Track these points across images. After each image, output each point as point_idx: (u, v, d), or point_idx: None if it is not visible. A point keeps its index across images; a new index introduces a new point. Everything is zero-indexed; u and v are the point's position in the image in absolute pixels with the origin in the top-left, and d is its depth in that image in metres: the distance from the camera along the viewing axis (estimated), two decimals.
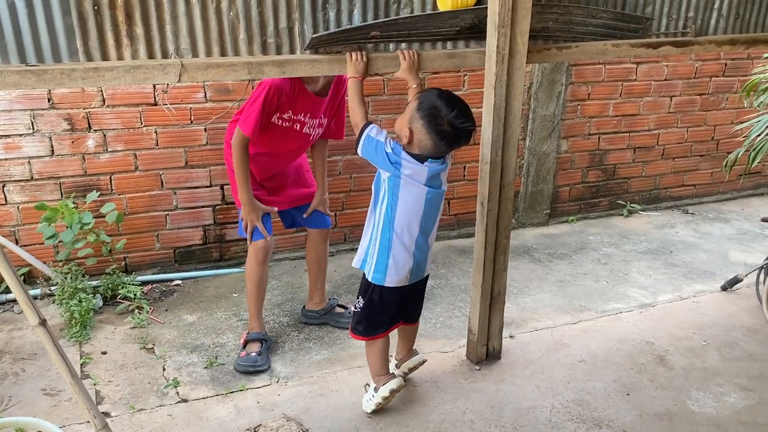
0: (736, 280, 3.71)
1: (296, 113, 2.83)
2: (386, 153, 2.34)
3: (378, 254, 2.46)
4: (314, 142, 3.05)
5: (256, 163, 2.92)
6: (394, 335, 2.72)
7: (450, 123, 2.28)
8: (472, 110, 4.27)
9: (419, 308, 2.73)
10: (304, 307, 3.38)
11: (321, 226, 3.23)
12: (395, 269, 2.45)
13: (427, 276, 2.65)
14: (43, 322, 1.96)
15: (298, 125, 2.87)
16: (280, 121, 2.82)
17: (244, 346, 3.00)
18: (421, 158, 2.35)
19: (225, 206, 3.83)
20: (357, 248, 2.61)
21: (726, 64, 4.88)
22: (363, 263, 2.54)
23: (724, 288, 3.74)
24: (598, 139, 4.69)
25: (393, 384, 2.56)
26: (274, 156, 2.96)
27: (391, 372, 2.68)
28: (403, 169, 2.34)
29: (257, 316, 3.08)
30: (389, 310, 2.55)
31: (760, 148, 3.28)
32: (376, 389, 2.59)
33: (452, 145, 2.34)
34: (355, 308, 2.61)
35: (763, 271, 3.64)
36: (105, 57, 2.24)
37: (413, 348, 2.83)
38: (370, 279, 2.50)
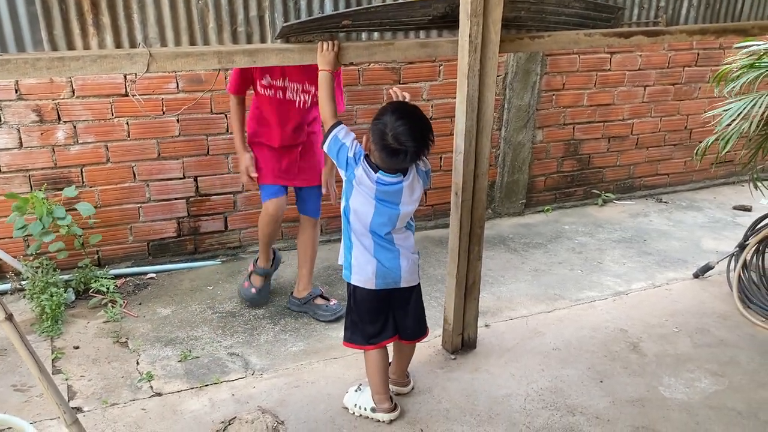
0: (707, 268, 3.77)
1: (274, 78, 2.95)
2: (347, 157, 2.33)
3: (345, 251, 2.46)
4: (305, 110, 3.07)
5: (269, 134, 3.11)
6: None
7: (394, 138, 2.21)
8: (447, 100, 4.29)
9: (415, 323, 2.57)
10: (291, 293, 3.42)
11: (309, 214, 3.30)
12: (358, 268, 2.42)
13: (415, 288, 2.54)
14: (9, 317, 1.93)
15: (281, 92, 2.98)
16: (263, 89, 2.99)
17: (249, 276, 3.40)
18: (374, 168, 2.30)
19: (199, 198, 3.79)
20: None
21: (698, 54, 4.93)
22: (341, 259, 2.52)
23: (696, 275, 3.80)
24: (573, 128, 4.72)
25: (393, 416, 2.55)
26: (275, 127, 3.07)
27: (391, 396, 2.60)
28: (356, 177, 2.31)
29: (264, 252, 3.38)
30: (367, 317, 2.48)
31: (730, 137, 3.32)
32: (374, 409, 2.55)
33: (394, 161, 2.26)
34: (345, 316, 2.58)
35: (734, 258, 3.70)
36: (71, 46, 2.19)
37: (407, 372, 2.75)
38: (343, 276, 2.49)
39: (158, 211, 3.73)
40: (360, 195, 2.33)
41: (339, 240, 2.60)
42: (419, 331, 2.61)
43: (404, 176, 2.33)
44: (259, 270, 3.39)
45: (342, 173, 2.37)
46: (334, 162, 2.40)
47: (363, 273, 2.42)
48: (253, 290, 3.36)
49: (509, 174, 4.57)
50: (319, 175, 3.24)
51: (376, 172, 2.30)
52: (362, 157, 2.32)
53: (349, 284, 2.49)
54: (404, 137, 2.21)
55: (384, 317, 2.51)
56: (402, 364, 2.71)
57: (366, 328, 2.50)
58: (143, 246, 3.77)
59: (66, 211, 3.37)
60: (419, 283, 2.56)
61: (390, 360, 2.75)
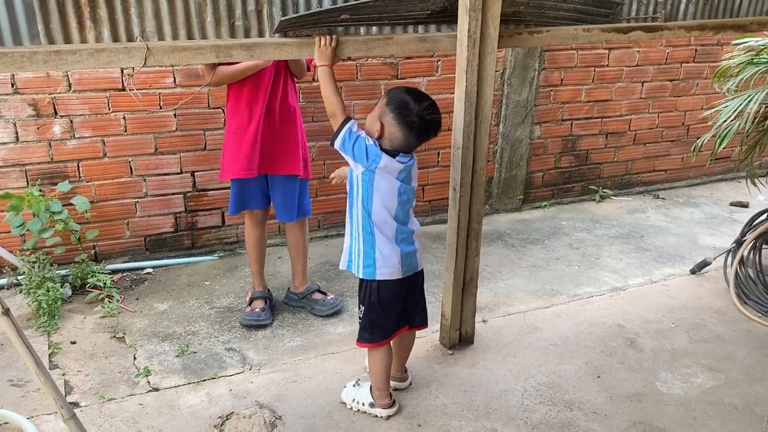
0: (704, 264, 3.78)
1: None
2: (367, 145, 2.31)
3: (364, 250, 2.41)
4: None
5: (244, 114, 2.98)
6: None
7: (419, 115, 2.29)
8: (445, 95, 4.29)
9: (423, 310, 2.63)
10: (288, 288, 3.41)
11: (285, 219, 3.22)
12: (383, 261, 2.40)
13: (422, 272, 2.58)
14: (6, 312, 1.92)
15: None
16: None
17: (250, 303, 3.25)
18: (393, 153, 2.33)
19: (196, 193, 3.79)
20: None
21: (696, 50, 4.93)
22: (349, 264, 2.48)
23: (693, 271, 3.80)
24: (571, 124, 4.72)
25: (391, 411, 2.56)
26: (246, 91, 2.95)
27: (390, 392, 2.60)
28: (381, 162, 2.31)
29: (258, 275, 3.32)
30: (391, 310, 2.47)
31: (726, 134, 3.32)
32: (372, 404, 2.55)
33: (421, 136, 2.35)
34: (359, 318, 2.53)
35: (730, 254, 3.71)
36: (67, 40, 2.18)
37: (406, 366, 2.76)
38: (361, 275, 2.44)
39: (155, 206, 3.72)
40: (384, 180, 2.33)
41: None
42: (426, 317, 2.65)
43: (412, 156, 2.42)
44: (257, 293, 3.28)
45: (360, 165, 2.33)
46: (349, 157, 2.36)
47: (389, 265, 2.41)
48: (258, 309, 3.18)
49: (507, 170, 4.57)
50: (296, 163, 3.10)
51: (395, 157, 2.33)
52: (378, 146, 2.33)
53: (368, 283, 2.44)
54: (428, 112, 2.31)
55: (401, 307, 2.52)
56: (401, 359, 2.71)
57: (387, 323, 2.48)
58: (140, 241, 3.76)
59: (62, 205, 3.36)
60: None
61: None
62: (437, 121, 2.35)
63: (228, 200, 3.80)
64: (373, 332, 2.49)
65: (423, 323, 2.64)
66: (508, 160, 4.54)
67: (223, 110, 3.66)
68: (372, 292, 2.44)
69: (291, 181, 3.14)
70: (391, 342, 2.59)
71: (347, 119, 2.37)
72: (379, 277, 2.42)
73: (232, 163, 3.04)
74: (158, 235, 3.79)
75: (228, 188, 3.82)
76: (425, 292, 2.63)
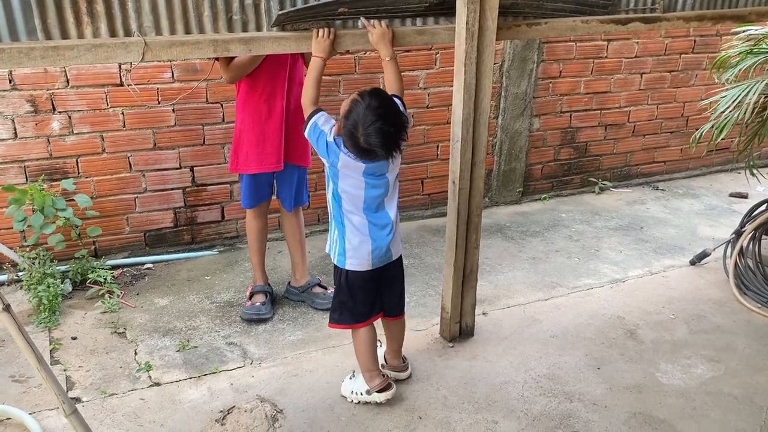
0: (704, 255, 3.78)
1: None
2: (327, 143, 2.33)
3: (338, 238, 2.45)
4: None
5: (255, 112, 2.98)
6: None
7: (365, 138, 2.21)
8: (444, 88, 4.27)
9: (400, 299, 2.62)
10: (289, 282, 3.41)
11: (287, 207, 3.26)
12: (353, 252, 2.42)
13: (400, 261, 2.58)
14: (6, 308, 1.92)
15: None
16: None
17: (250, 297, 3.24)
18: (353, 155, 2.31)
19: (195, 188, 3.78)
20: None
21: (695, 41, 4.92)
22: (330, 248, 2.52)
23: (692, 262, 3.80)
24: (570, 116, 4.71)
25: (389, 394, 2.56)
26: (263, 83, 2.94)
27: (381, 371, 2.61)
28: (340, 161, 2.31)
29: (258, 268, 3.31)
30: (360, 296, 2.49)
31: (725, 124, 3.31)
32: (368, 392, 2.56)
33: (365, 157, 2.27)
34: (332, 297, 2.58)
35: (730, 245, 3.71)
36: (65, 35, 2.17)
37: (402, 354, 2.76)
38: (335, 262, 2.49)
39: (155, 201, 3.72)
40: (348, 177, 2.34)
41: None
42: (401, 306, 2.64)
43: None
44: (258, 288, 3.27)
45: (324, 160, 2.38)
46: (315, 149, 2.40)
47: (358, 256, 2.42)
48: (258, 303, 3.18)
49: (506, 162, 4.56)
50: (305, 153, 3.14)
51: (357, 158, 2.31)
52: (342, 144, 2.31)
53: (340, 268, 2.48)
54: (375, 141, 2.20)
55: (373, 294, 2.53)
56: (394, 345, 2.72)
57: (356, 307, 2.51)
58: (140, 236, 3.76)
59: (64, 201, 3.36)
60: (401, 256, 2.59)
61: (384, 347, 2.78)
62: (382, 144, 2.20)
63: (228, 195, 3.87)
64: (342, 314, 2.53)
65: (399, 312, 2.64)
66: (508, 152, 4.54)
67: (222, 105, 3.66)
68: (341, 274, 2.49)
69: (294, 170, 3.17)
70: (384, 339, 2.60)
71: (316, 110, 2.39)
72: (348, 267, 2.45)
73: (254, 157, 3.02)
74: (158, 231, 3.79)
75: (227, 182, 3.84)
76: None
